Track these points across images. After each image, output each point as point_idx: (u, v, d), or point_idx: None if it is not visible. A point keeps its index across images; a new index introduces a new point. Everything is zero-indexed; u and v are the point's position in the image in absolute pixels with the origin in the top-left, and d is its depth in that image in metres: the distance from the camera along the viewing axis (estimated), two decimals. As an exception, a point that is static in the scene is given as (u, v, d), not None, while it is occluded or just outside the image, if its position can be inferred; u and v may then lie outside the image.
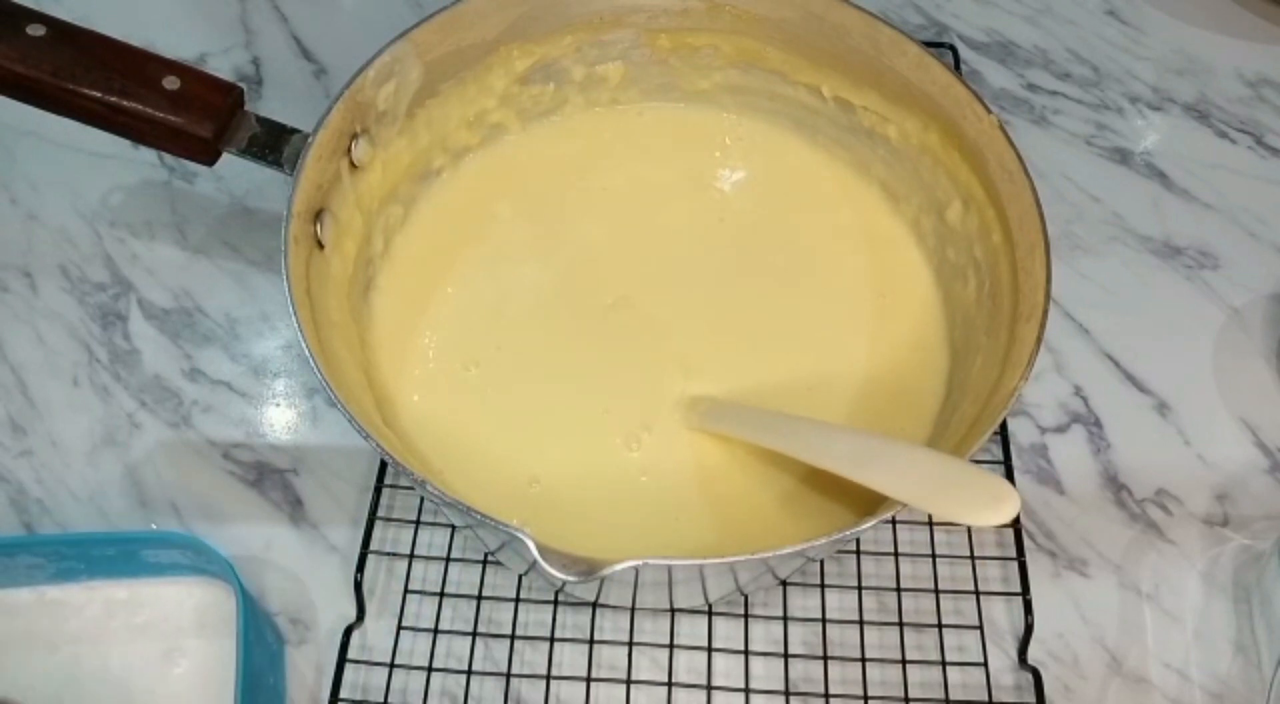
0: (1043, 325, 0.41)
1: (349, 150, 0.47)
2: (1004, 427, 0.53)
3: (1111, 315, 0.58)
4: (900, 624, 0.48)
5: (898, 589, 0.49)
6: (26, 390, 0.55)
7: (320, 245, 0.45)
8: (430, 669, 0.47)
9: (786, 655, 0.48)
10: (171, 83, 0.45)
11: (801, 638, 0.48)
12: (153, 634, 0.47)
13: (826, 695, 0.47)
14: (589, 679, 0.47)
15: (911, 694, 0.47)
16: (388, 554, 0.50)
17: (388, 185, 0.51)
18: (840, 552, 0.50)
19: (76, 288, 0.58)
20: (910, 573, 0.50)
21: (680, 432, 0.48)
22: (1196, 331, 0.58)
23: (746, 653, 0.48)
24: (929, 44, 0.54)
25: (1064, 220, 0.61)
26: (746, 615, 0.49)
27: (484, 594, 0.49)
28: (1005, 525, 0.50)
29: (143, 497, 0.52)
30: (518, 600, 0.49)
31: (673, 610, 0.49)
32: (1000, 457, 0.52)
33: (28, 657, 0.46)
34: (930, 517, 0.51)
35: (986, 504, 0.35)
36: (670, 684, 0.47)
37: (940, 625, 0.48)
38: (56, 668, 0.46)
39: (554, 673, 0.47)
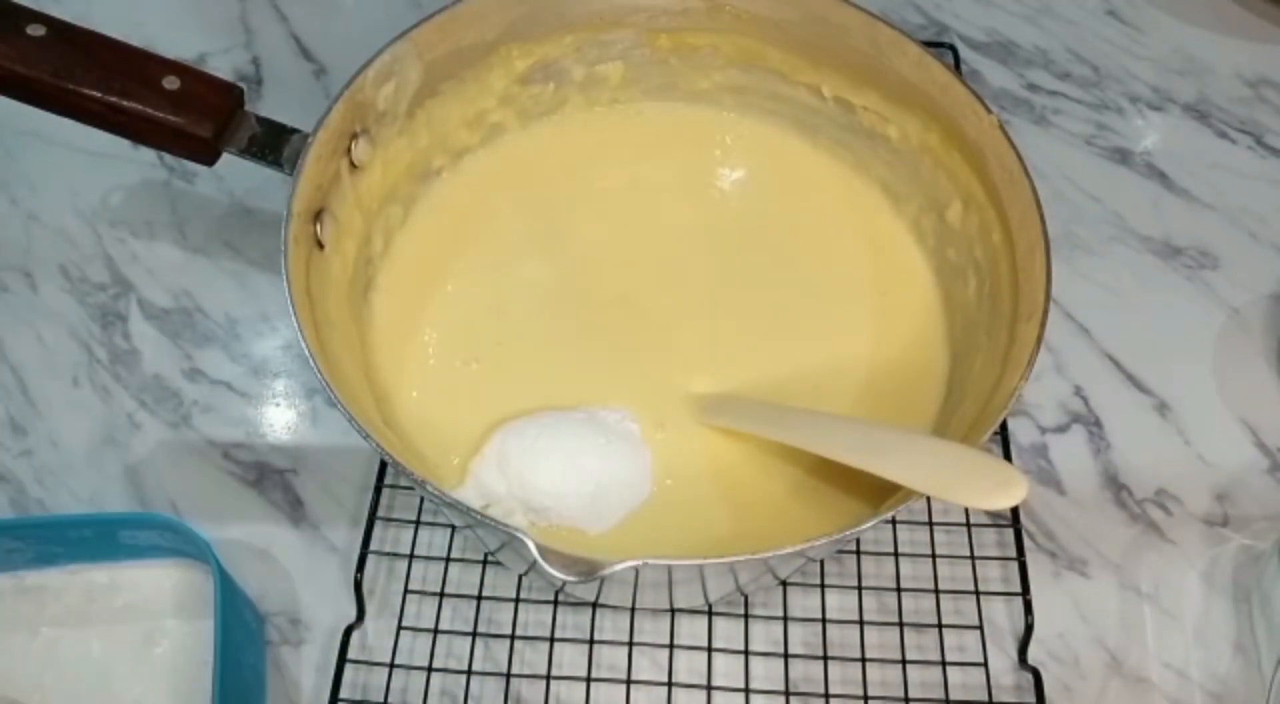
0: (1043, 325, 0.41)
1: (349, 150, 0.47)
2: (1004, 427, 0.53)
3: (1111, 315, 0.58)
4: (900, 624, 0.48)
5: (898, 589, 0.49)
6: (26, 390, 0.55)
7: (320, 245, 0.45)
8: (430, 669, 0.47)
9: (786, 655, 0.48)
10: (171, 83, 0.45)
11: (801, 638, 0.48)
12: (132, 616, 0.47)
13: (826, 696, 0.47)
14: (589, 679, 0.47)
15: (911, 694, 0.47)
16: (388, 554, 0.50)
17: (388, 185, 0.51)
18: (840, 552, 0.50)
19: (76, 288, 0.58)
20: (910, 573, 0.50)
21: (688, 427, 0.48)
22: (1196, 332, 0.58)
23: (746, 653, 0.48)
24: (929, 44, 0.54)
25: (1064, 220, 0.61)
26: (746, 615, 0.49)
27: (484, 594, 0.49)
28: (1005, 525, 0.51)
29: (143, 497, 0.52)
30: (518, 600, 0.49)
31: (673, 610, 0.49)
32: (1000, 456, 0.52)
33: (7, 641, 0.47)
34: (930, 517, 0.51)
35: (995, 488, 0.36)
36: (670, 684, 0.47)
37: (940, 625, 0.48)
38: (37, 652, 0.46)
39: (554, 673, 0.47)
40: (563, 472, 0.45)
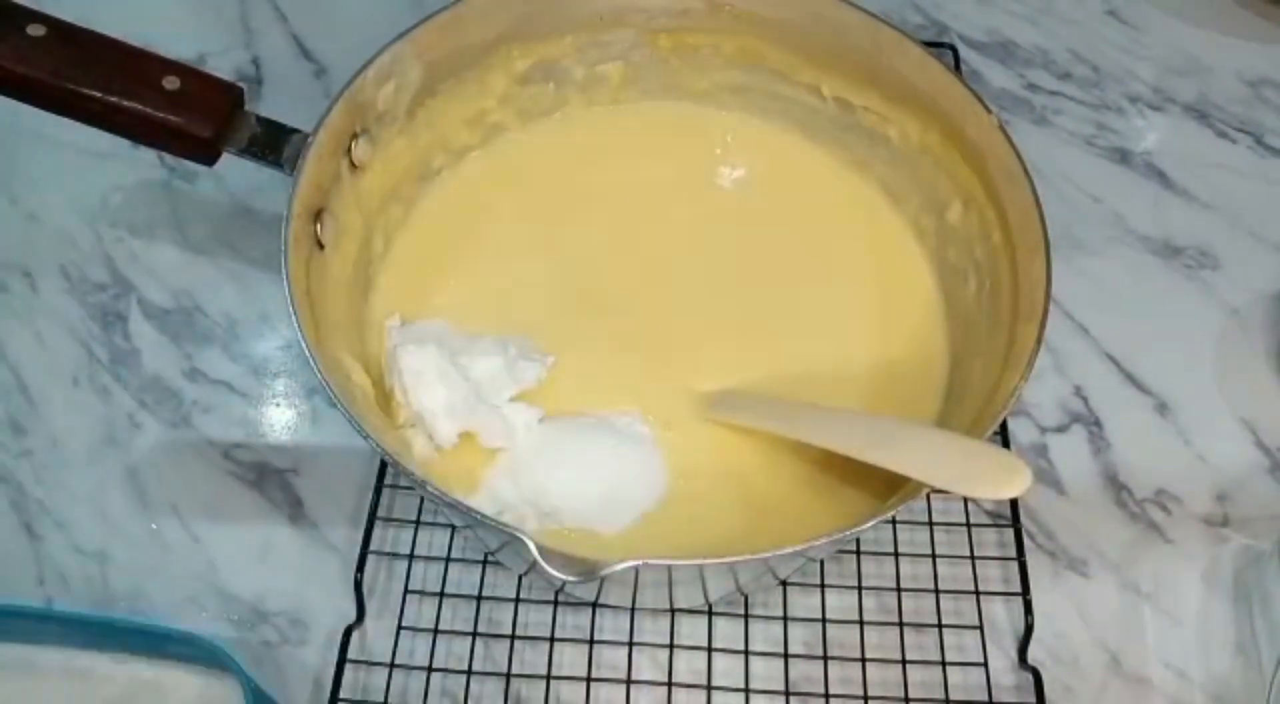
0: (1043, 325, 0.41)
1: (349, 150, 0.47)
2: (1004, 427, 0.53)
3: (1111, 315, 0.58)
4: (900, 624, 0.48)
5: (898, 589, 0.49)
6: (26, 390, 0.55)
7: (320, 245, 0.45)
8: (430, 670, 0.47)
9: (786, 656, 0.48)
10: (171, 83, 0.45)
11: (801, 638, 0.48)
12: None
13: (826, 696, 0.47)
14: (589, 679, 0.47)
15: (911, 694, 0.47)
16: (388, 554, 0.50)
17: (388, 185, 0.51)
18: (840, 552, 0.50)
19: (76, 288, 0.58)
20: (910, 573, 0.50)
21: (697, 427, 0.48)
22: (1196, 331, 0.58)
23: (746, 653, 0.48)
24: (929, 44, 0.54)
25: (1064, 220, 0.61)
26: (746, 615, 0.49)
27: (484, 594, 0.49)
28: (1005, 525, 0.51)
29: (143, 497, 0.52)
30: (518, 600, 0.49)
31: (673, 610, 0.49)
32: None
33: None
34: (930, 517, 0.51)
35: (1000, 477, 0.36)
36: (670, 684, 0.47)
37: (940, 625, 0.48)
38: None
39: (554, 673, 0.47)
40: (574, 475, 0.45)
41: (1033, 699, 0.47)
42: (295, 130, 0.46)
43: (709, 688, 0.47)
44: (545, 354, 0.48)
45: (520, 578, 0.49)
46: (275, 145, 0.46)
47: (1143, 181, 0.63)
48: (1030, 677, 0.47)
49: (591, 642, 0.48)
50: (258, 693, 0.43)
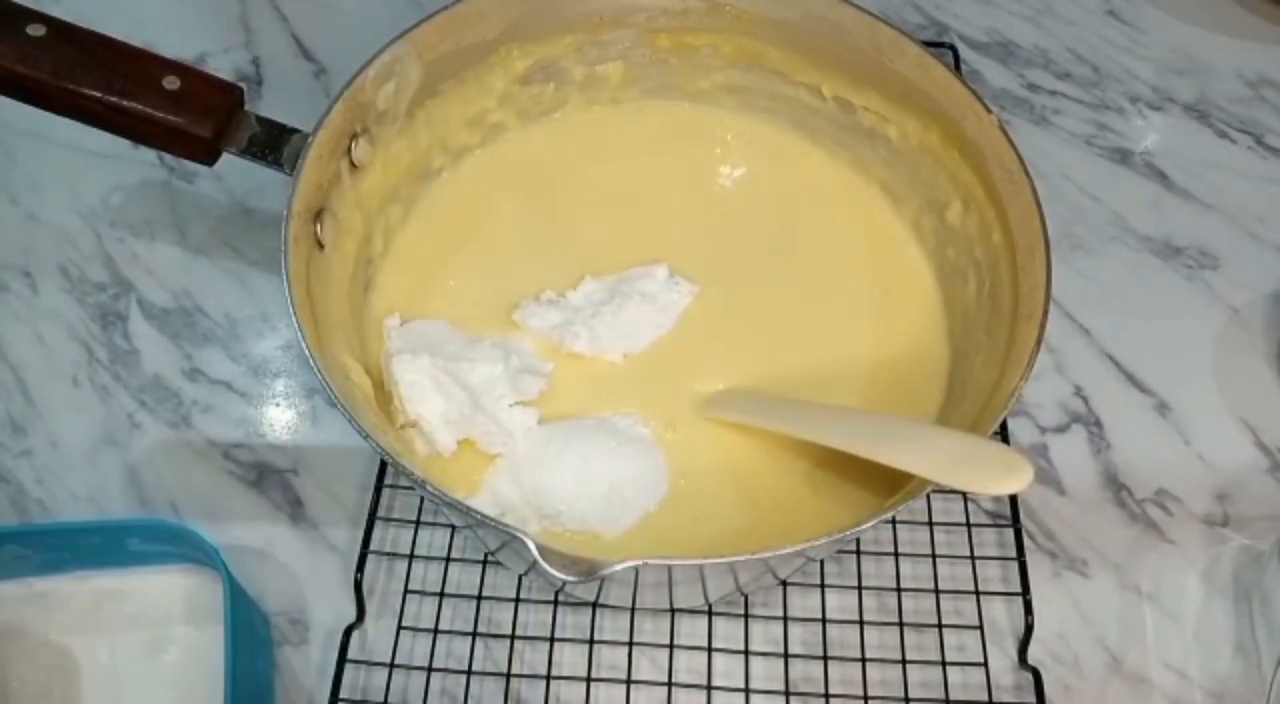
0: (1043, 325, 0.41)
1: (349, 150, 0.47)
2: (1004, 426, 0.53)
3: (1111, 315, 0.58)
4: (900, 624, 0.48)
5: (898, 589, 0.49)
6: (26, 390, 0.55)
7: (320, 245, 0.45)
8: (430, 669, 0.47)
9: (786, 655, 0.48)
10: (172, 83, 0.45)
11: (801, 638, 0.48)
12: (141, 623, 0.47)
13: (826, 695, 0.47)
14: (589, 679, 0.47)
15: (911, 694, 0.47)
16: (388, 554, 0.50)
17: (388, 185, 0.51)
18: (840, 552, 0.50)
19: (76, 288, 0.58)
20: (910, 573, 0.50)
21: (699, 427, 0.48)
22: (1196, 332, 0.58)
23: (746, 653, 0.48)
24: (929, 44, 0.54)
25: (1064, 220, 0.61)
26: (746, 615, 0.49)
27: (484, 594, 0.49)
28: (1005, 525, 0.51)
29: (143, 496, 0.52)
30: (518, 600, 0.49)
31: (673, 610, 0.49)
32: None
33: (17, 649, 0.46)
34: (930, 517, 0.51)
35: (1001, 473, 0.36)
36: (670, 684, 0.47)
37: (940, 625, 0.48)
38: (46, 659, 0.46)
39: (554, 673, 0.47)
40: (575, 477, 0.45)
41: (1033, 699, 0.47)
42: (295, 130, 0.46)
43: (709, 688, 0.47)
44: (545, 361, 0.48)
45: (520, 578, 0.49)
46: (275, 145, 0.46)
47: (1143, 181, 0.64)
48: (1030, 677, 0.47)
49: (591, 642, 0.48)
50: (232, 579, 0.44)
